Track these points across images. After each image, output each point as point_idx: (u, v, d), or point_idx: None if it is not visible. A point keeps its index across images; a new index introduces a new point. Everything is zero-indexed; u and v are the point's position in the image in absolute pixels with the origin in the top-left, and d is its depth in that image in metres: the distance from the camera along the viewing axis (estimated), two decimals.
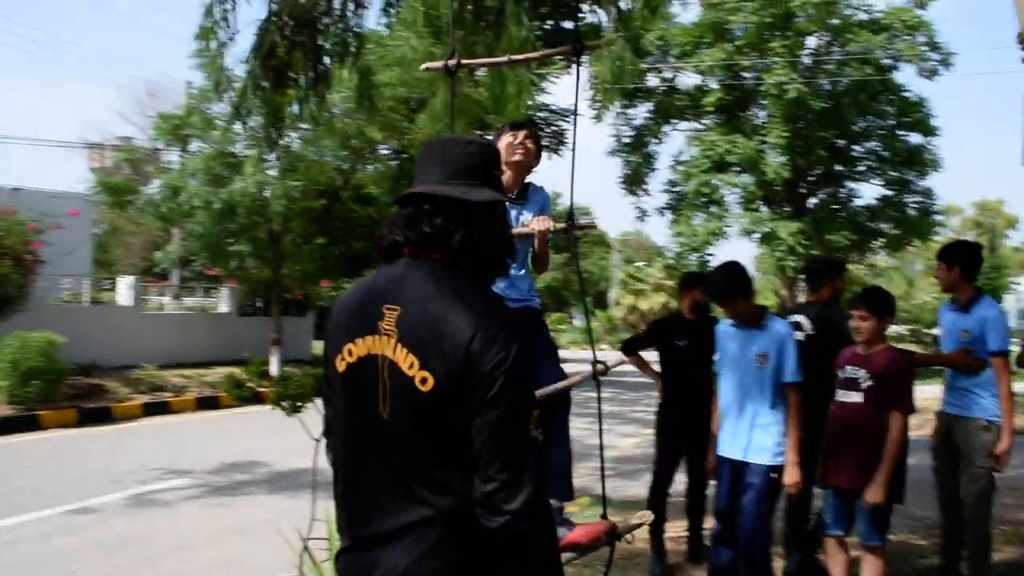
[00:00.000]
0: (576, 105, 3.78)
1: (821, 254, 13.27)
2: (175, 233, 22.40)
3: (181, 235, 21.33)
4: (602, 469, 3.62)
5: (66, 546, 6.01)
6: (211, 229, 17.70)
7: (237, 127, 14.71)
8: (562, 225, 3.78)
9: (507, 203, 2.96)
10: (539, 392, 3.31)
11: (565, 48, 3.99)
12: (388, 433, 1.66)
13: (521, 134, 3.57)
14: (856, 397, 4.10)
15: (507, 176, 3.52)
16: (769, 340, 4.11)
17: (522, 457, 1.60)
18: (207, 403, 14.81)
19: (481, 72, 6.29)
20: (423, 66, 3.91)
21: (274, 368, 17.16)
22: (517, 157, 3.56)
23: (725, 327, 4.36)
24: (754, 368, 4.11)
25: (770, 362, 4.08)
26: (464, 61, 3.56)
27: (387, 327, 1.66)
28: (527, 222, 3.53)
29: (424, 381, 1.61)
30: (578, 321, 61.31)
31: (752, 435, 4.10)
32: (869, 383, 4.06)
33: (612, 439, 11.79)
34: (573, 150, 3.28)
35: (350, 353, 1.72)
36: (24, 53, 78.61)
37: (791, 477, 4.04)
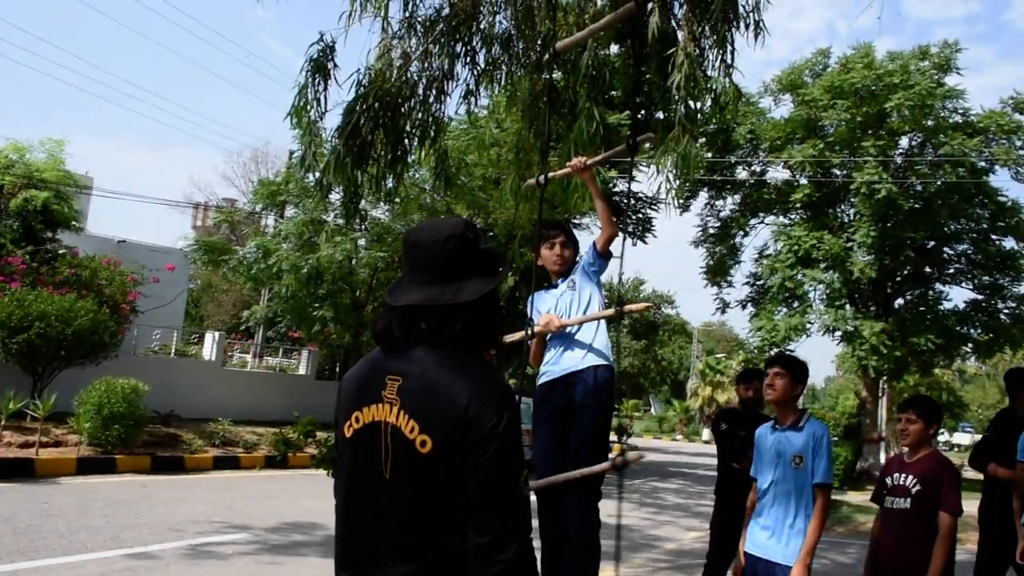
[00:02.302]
0: (629, 196, 4.05)
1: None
2: (264, 294, 23.24)
3: (269, 296, 22.11)
4: (617, 550, 3.65)
5: None
6: (297, 292, 18.30)
7: (332, 197, 15.37)
8: (610, 312, 3.99)
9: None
10: (558, 478, 3.49)
11: (622, 148, 4.29)
12: (387, 491, 1.82)
13: (558, 243, 4.23)
14: (905, 503, 4.07)
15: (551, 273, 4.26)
16: (804, 441, 4.07)
17: (513, 512, 1.76)
18: (276, 461, 15.11)
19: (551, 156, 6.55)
20: (524, 184, 4.66)
21: None
22: (556, 268, 4.27)
23: (764, 429, 4.34)
24: (791, 470, 4.07)
25: (806, 463, 4.04)
26: (550, 175, 4.32)
27: (390, 395, 1.83)
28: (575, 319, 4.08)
29: (424, 444, 1.77)
30: (655, 409, 60.41)
31: (788, 537, 4.04)
32: (918, 488, 4.05)
33: (674, 532, 11.57)
34: (624, 239, 3.50)
35: (357, 420, 1.88)
36: (142, 116, 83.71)
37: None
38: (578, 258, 4.33)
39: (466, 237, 1.92)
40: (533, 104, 6.02)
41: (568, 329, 4.16)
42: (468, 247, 1.92)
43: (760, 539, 4.16)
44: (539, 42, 5.89)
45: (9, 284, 13.63)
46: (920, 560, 3.91)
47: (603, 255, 4.20)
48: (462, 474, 1.75)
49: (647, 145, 5.48)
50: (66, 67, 75.99)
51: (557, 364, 4.15)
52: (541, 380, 4.22)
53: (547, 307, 4.23)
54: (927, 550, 3.90)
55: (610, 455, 3.96)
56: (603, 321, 4.13)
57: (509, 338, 4.17)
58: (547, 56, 4.62)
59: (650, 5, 4.79)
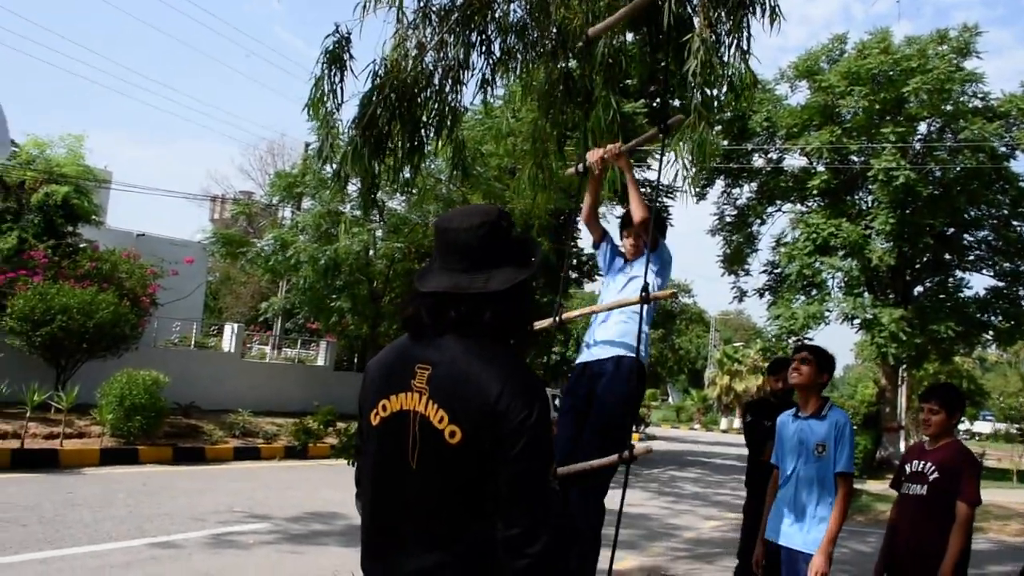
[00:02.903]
0: (658, 183, 4.14)
1: None
2: (282, 286, 23.36)
3: (287, 288, 22.21)
4: (613, 547, 3.66)
5: None
6: (315, 283, 18.38)
7: (349, 188, 15.38)
8: (635, 300, 3.95)
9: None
10: (565, 469, 3.51)
11: (653, 133, 4.29)
12: (415, 482, 1.80)
13: (633, 235, 4.34)
14: (922, 490, 4.07)
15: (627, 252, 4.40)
16: (827, 430, 4.10)
17: (543, 505, 1.75)
18: (296, 452, 15.22)
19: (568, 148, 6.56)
20: (566, 172, 4.70)
21: None
22: (629, 252, 4.39)
23: (786, 417, 4.37)
24: (814, 458, 4.10)
25: (828, 452, 4.06)
26: (587, 165, 4.33)
27: (419, 385, 1.81)
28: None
29: (453, 434, 1.75)
30: (672, 399, 60.33)
31: (810, 525, 4.07)
32: (935, 475, 4.05)
33: (692, 520, 11.58)
34: (650, 226, 3.51)
35: (384, 408, 1.86)
36: (159, 110, 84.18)
37: (818, 565, 3.93)
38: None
39: (499, 225, 1.90)
40: (549, 93, 6.01)
41: (601, 317, 4.18)
42: (500, 235, 1.90)
43: (782, 527, 4.18)
44: (554, 30, 5.88)
45: (32, 278, 13.79)
46: (935, 546, 3.91)
47: (652, 249, 4.10)
48: (491, 465, 1.73)
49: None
50: (81, 61, 76.52)
51: (588, 349, 4.19)
52: (576, 363, 4.27)
53: (614, 268, 4.41)
54: (943, 537, 3.91)
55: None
56: (639, 313, 4.10)
57: (538, 324, 4.15)
58: (580, 44, 4.60)
59: None
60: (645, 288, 3.99)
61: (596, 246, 4.48)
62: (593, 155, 4.26)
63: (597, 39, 5.29)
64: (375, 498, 1.90)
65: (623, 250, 4.42)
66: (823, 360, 4.27)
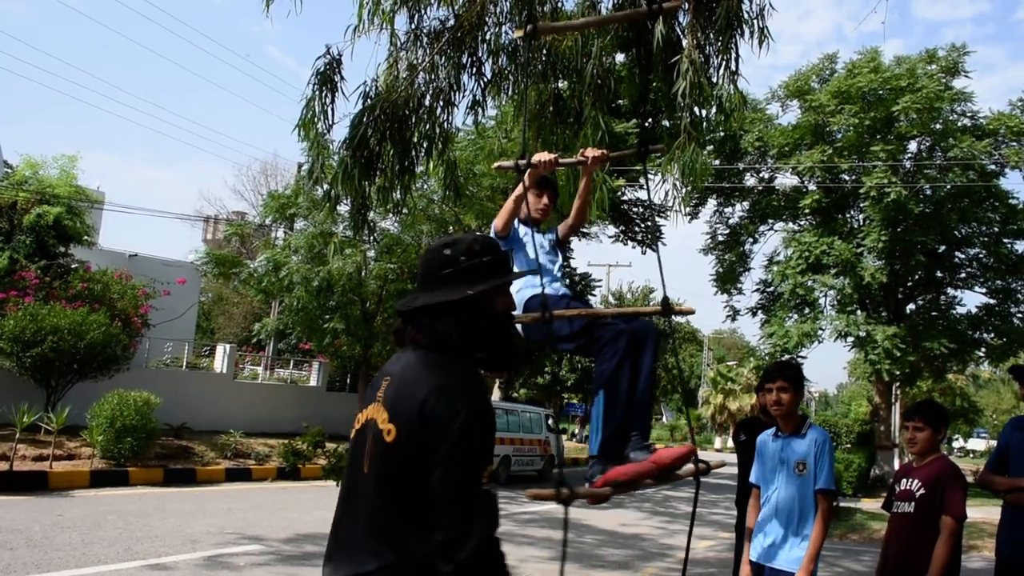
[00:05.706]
0: (649, 203, 4.04)
1: None
2: (274, 306, 23.32)
3: (279, 308, 22.17)
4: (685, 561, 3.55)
5: None
6: (308, 304, 18.34)
7: (340, 209, 15.38)
8: (657, 308, 3.69)
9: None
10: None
11: (631, 151, 4.23)
12: (365, 487, 1.88)
13: (546, 195, 3.96)
14: (909, 507, 4.08)
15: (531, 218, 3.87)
16: (806, 448, 4.11)
17: (472, 509, 1.76)
18: (288, 473, 15.14)
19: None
20: (495, 165, 4.24)
21: None
22: (537, 216, 3.92)
23: (766, 436, 4.38)
24: (795, 477, 4.11)
25: (809, 470, 4.08)
26: (561, 161, 3.76)
27: (380, 395, 1.93)
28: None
29: (389, 432, 1.83)
30: (666, 418, 60.22)
31: (792, 544, 4.08)
32: (921, 492, 4.06)
33: (686, 541, 11.51)
34: (656, 246, 3.30)
35: (358, 421, 1.99)
36: (152, 131, 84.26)
37: None
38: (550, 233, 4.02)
39: (465, 245, 2.00)
40: (540, 114, 6.06)
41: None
42: (464, 257, 1.98)
43: (764, 546, 4.19)
44: (544, 51, 5.93)
45: (23, 298, 13.74)
46: (923, 562, 3.91)
47: (562, 242, 4.02)
48: (422, 469, 1.76)
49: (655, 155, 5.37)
50: (78, 83, 76.64)
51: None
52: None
53: (535, 247, 3.63)
54: (931, 553, 3.90)
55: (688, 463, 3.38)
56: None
57: (524, 318, 3.74)
58: (524, 30, 4.12)
59: (655, 6, 4.73)
60: (666, 301, 3.54)
61: (504, 236, 3.70)
62: (543, 155, 3.66)
63: (541, 35, 5.09)
64: (339, 505, 1.98)
65: (530, 210, 3.78)
66: (797, 381, 4.28)
